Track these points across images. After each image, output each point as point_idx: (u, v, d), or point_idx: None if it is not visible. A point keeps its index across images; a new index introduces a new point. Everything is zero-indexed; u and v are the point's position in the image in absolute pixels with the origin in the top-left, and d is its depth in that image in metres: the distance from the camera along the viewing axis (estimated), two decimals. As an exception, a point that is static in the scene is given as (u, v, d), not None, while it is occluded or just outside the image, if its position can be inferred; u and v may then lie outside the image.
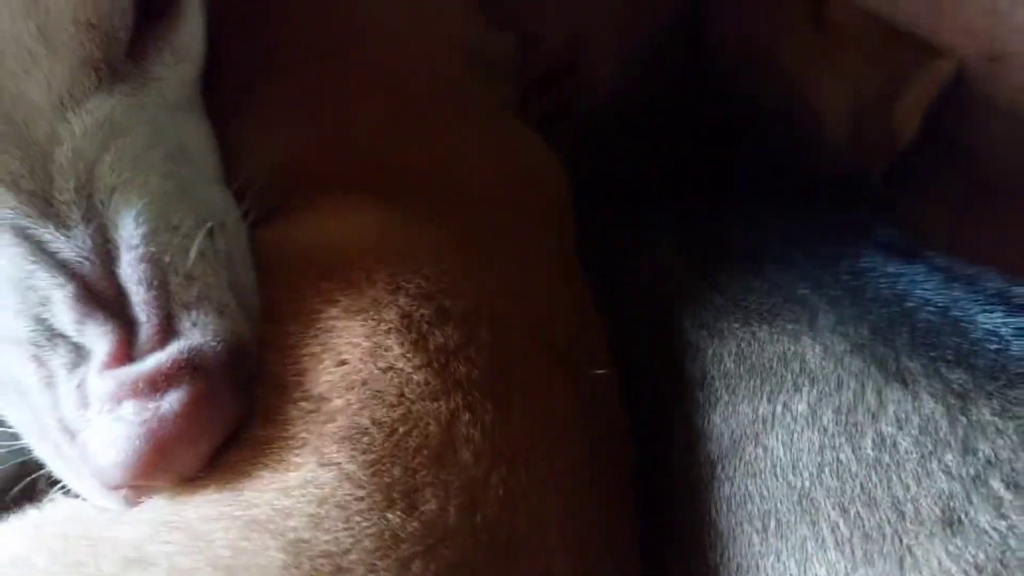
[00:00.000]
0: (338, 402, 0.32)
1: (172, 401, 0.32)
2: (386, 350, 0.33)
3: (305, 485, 0.30)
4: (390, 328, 0.34)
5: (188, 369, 0.32)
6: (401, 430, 0.32)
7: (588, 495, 0.35)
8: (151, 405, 0.32)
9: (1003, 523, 0.27)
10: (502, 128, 0.47)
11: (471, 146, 0.44)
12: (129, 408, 0.32)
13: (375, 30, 0.46)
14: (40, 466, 0.37)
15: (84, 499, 0.35)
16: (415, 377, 0.33)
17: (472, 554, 0.30)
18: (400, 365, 0.33)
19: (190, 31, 0.40)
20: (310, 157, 0.42)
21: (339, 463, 0.31)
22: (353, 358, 0.33)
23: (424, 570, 0.29)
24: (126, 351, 0.33)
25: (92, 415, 0.32)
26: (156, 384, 0.32)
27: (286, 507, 0.30)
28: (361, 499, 0.30)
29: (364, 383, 0.33)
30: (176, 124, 0.40)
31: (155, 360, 0.32)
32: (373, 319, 0.34)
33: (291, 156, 0.42)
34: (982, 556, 0.26)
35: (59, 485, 0.36)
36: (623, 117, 0.47)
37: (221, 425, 0.33)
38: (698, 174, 0.45)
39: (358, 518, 0.30)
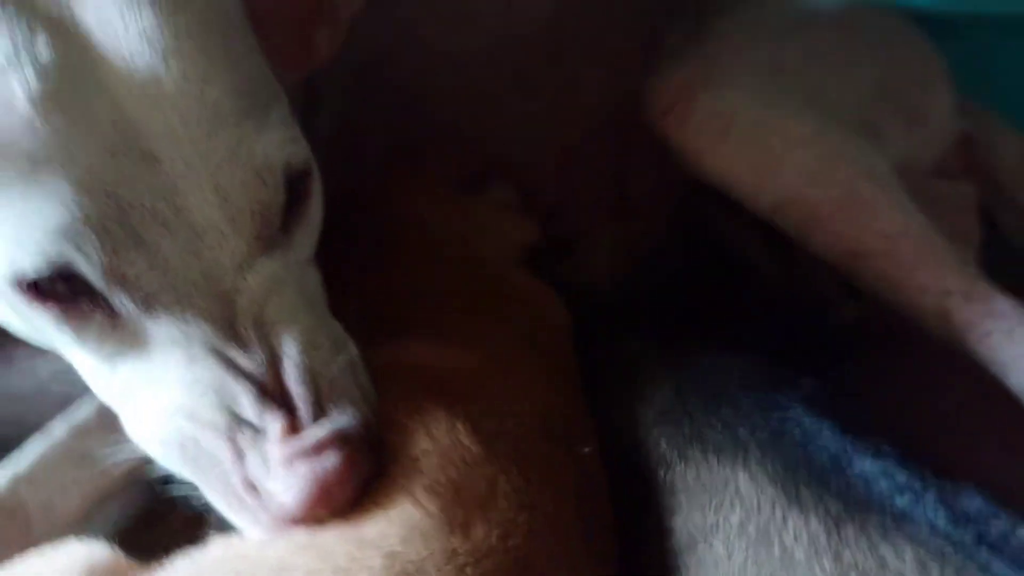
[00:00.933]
0: (426, 463, 0.47)
1: (330, 460, 0.45)
2: (456, 432, 0.48)
3: (400, 516, 0.44)
4: (457, 418, 0.49)
5: (338, 439, 0.46)
6: (462, 484, 0.46)
7: (580, 538, 0.49)
8: (316, 464, 0.45)
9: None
10: (517, 286, 0.65)
11: (492, 308, 0.62)
12: (301, 467, 0.45)
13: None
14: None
15: (242, 534, 0.48)
16: (472, 450, 0.48)
17: (505, 566, 0.44)
18: (464, 441, 0.48)
19: (316, 208, 0.55)
20: (390, 312, 0.58)
21: (423, 504, 0.45)
22: (437, 435, 0.48)
23: (473, 573, 0.43)
24: (293, 429, 0.46)
25: (274, 473, 0.46)
26: (318, 450, 0.45)
27: (386, 531, 0.44)
28: (435, 527, 0.44)
29: (442, 453, 0.47)
30: (306, 274, 0.54)
31: (315, 434, 0.46)
32: (449, 412, 0.49)
33: (377, 308, 0.58)
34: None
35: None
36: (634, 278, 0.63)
37: (360, 476, 0.46)
38: (693, 319, 0.60)
39: (432, 540, 0.43)
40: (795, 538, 0.43)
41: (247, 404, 0.48)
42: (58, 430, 0.66)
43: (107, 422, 0.60)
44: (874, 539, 0.41)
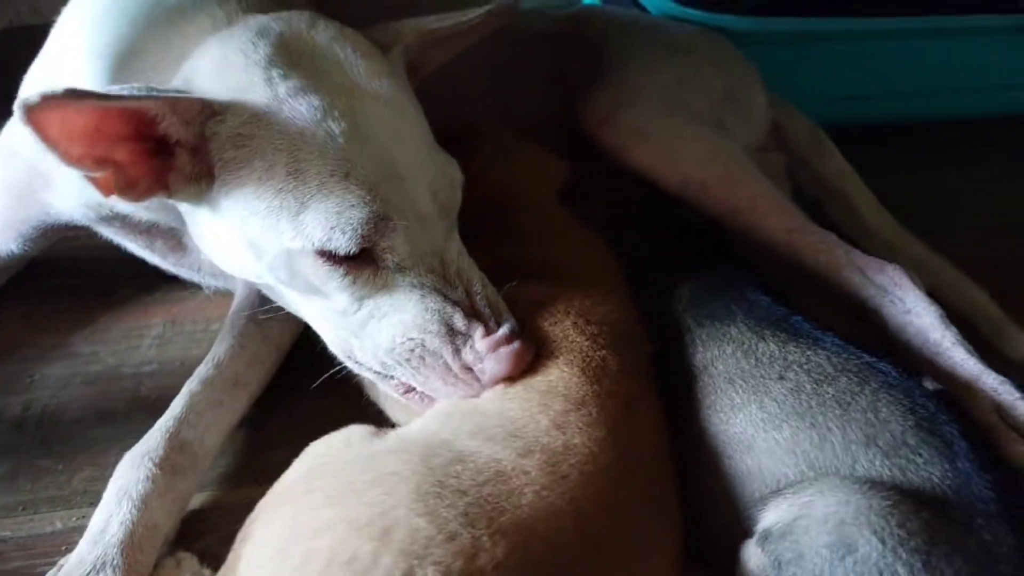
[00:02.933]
0: (556, 351, 0.78)
1: (515, 347, 0.76)
2: (568, 334, 0.81)
3: (556, 377, 0.76)
4: (569, 324, 0.82)
5: (514, 335, 0.77)
6: (585, 361, 0.77)
7: (652, 386, 0.83)
8: (510, 348, 0.76)
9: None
10: (569, 223, 1.00)
11: (566, 242, 0.96)
12: (503, 351, 0.76)
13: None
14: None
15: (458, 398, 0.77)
16: (584, 343, 0.80)
17: (624, 401, 0.74)
18: (577, 339, 0.80)
19: None
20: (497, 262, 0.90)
21: (566, 370, 0.76)
22: (556, 337, 0.80)
23: (611, 404, 0.75)
24: (489, 331, 0.77)
25: (484, 357, 0.75)
26: (508, 341, 0.76)
27: (553, 385, 0.75)
28: (579, 382, 0.75)
29: (564, 347, 0.79)
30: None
31: (502, 332, 0.77)
32: (561, 321, 0.82)
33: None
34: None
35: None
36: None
37: (531, 353, 0.78)
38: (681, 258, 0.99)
39: (583, 387, 0.75)
40: (763, 352, 0.82)
41: (459, 319, 0.77)
42: (194, 384, 0.91)
43: (227, 376, 0.90)
44: (803, 347, 0.81)
